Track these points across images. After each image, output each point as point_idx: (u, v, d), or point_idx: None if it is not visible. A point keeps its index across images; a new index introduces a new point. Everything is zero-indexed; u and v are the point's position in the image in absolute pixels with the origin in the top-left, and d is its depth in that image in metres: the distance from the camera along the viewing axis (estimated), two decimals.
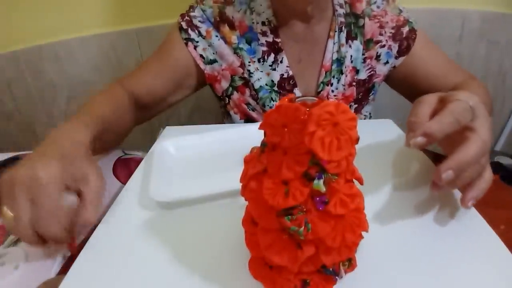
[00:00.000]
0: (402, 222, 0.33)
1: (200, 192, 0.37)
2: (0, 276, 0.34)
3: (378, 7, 0.60)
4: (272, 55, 0.58)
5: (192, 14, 0.60)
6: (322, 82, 0.60)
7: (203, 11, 0.59)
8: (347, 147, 0.21)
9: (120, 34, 0.91)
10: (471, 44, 0.94)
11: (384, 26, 0.59)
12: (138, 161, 0.49)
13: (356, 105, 0.64)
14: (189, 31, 0.59)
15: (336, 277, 0.26)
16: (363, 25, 0.59)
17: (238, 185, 0.26)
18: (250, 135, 0.43)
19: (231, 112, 0.65)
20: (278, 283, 0.24)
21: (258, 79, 0.59)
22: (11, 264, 0.35)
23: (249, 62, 0.59)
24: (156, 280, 0.28)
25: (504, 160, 0.91)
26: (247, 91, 0.61)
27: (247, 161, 0.26)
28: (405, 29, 0.59)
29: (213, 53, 0.60)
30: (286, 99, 0.22)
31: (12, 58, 0.93)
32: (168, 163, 0.45)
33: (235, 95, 0.63)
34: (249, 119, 0.64)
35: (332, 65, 0.59)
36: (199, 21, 0.59)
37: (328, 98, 0.60)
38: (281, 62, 0.59)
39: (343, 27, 0.58)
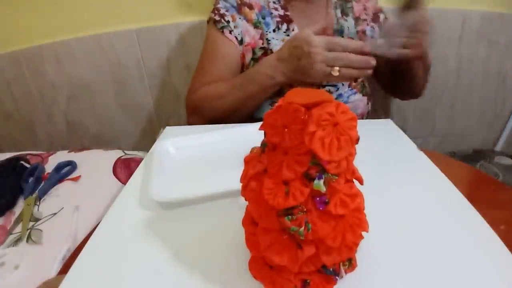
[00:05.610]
0: (402, 222, 0.33)
1: (200, 192, 0.37)
2: (0, 276, 0.34)
3: None
4: (285, 25, 0.68)
5: (217, 6, 0.70)
6: None
7: (225, 1, 0.70)
8: (347, 147, 0.21)
9: (120, 34, 0.91)
10: (471, 45, 0.94)
11: (366, 8, 0.73)
12: (138, 161, 0.49)
13: None
14: (222, 20, 0.68)
15: (336, 277, 0.26)
16: (352, 7, 0.72)
17: (238, 185, 0.26)
18: (250, 136, 0.43)
19: None
20: (278, 283, 0.24)
21: (276, 45, 0.67)
22: (11, 264, 0.35)
23: (267, 31, 0.68)
24: (156, 280, 0.28)
25: (504, 160, 0.91)
26: None
27: (247, 161, 0.26)
28: (381, 15, 0.74)
29: (239, 34, 0.68)
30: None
31: (12, 58, 0.93)
32: (168, 163, 0.45)
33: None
34: None
35: (333, 34, 0.70)
36: (225, 11, 0.69)
37: None
38: (293, 30, 0.68)
39: (337, 6, 0.71)
